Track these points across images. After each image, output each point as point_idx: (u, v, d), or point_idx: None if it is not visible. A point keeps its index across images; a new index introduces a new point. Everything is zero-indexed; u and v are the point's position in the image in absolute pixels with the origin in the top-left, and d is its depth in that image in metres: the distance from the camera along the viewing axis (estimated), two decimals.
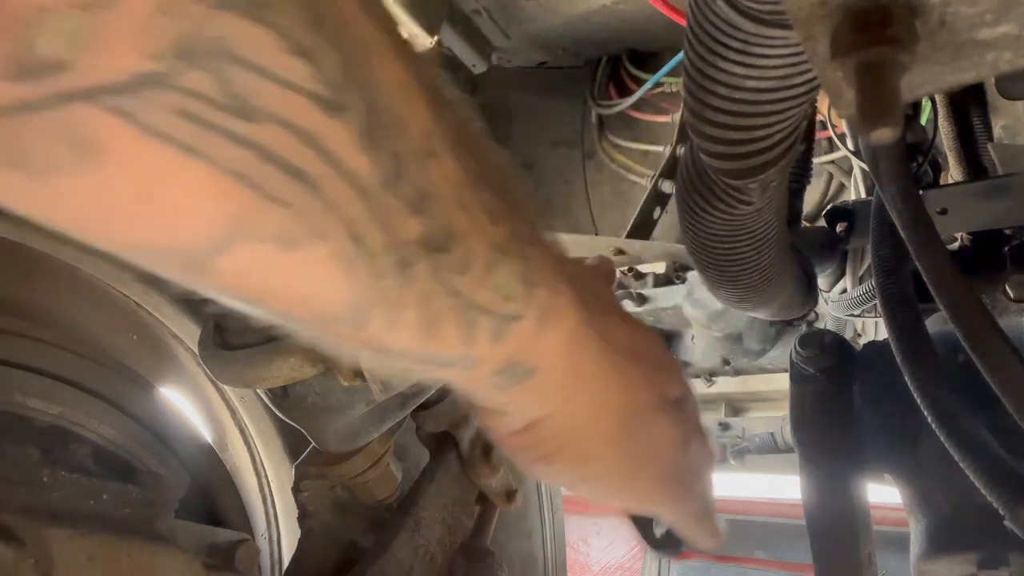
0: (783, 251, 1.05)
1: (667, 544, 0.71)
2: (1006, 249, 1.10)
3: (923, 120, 1.45)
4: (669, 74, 2.27)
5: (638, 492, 0.53)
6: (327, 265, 0.29)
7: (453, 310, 0.34)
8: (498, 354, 0.38)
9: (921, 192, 1.03)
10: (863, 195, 1.78)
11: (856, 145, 1.58)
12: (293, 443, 1.00)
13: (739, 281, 1.05)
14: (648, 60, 2.48)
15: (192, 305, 0.89)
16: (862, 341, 1.73)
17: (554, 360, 0.41)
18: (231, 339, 0.73)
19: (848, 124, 1.43)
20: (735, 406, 2.21)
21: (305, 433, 0.78)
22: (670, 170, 2.22)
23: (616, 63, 2.54)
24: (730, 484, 2.79)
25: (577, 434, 0.46)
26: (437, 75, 0.33)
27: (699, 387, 2.20)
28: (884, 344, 0.94)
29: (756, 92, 0.70)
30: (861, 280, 1.31)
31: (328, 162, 0.27)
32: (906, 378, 0.80)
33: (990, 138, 1.30)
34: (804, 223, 1.89)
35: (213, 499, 1.03)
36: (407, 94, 0.30)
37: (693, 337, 2.19)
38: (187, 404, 1.02)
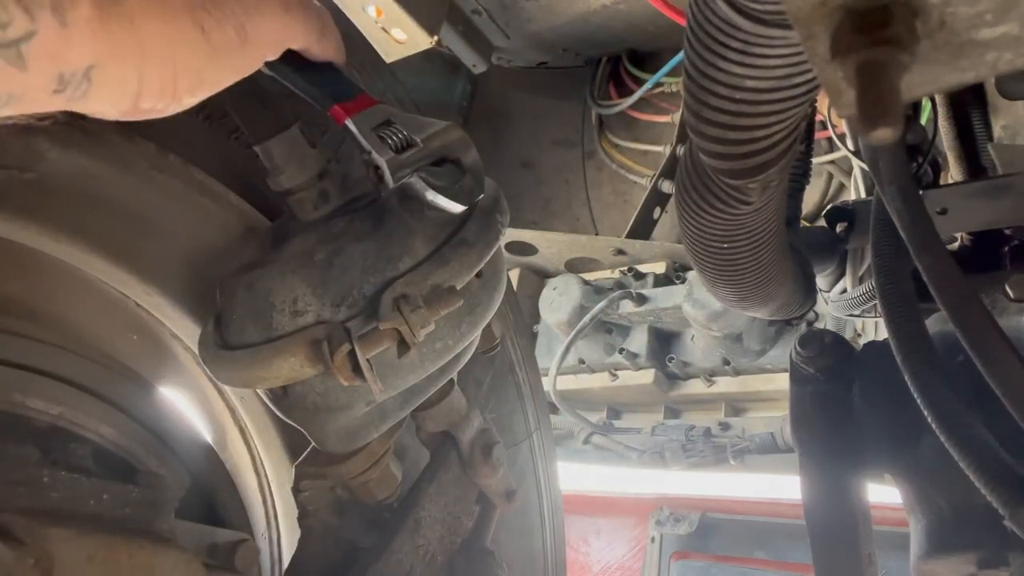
0: (782, 251, 1.05)
1: None
2: (1006, 249, 1.10)
3: (923, 120, 1.45)
4: (669, 74, 2.27)
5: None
6: None
7: None
8: (41, 75, 0.40)
9: (921, 192, 1.04)
10: (863, 195, 1.78)
11: (856, 145, 1.58)
12: (293, 443, 1.00)
13: (738, 281, 1.05)
14: (648, 60, 2.48)
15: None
16: (862, 341, 1.73)
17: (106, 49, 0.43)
18: (231, 339, 0.72)
19: (848, 124, 1.43)
20: (735, 406, 2.21)
21: (305, 433, 0.78)
22: (670, 170, 2.22)
23: (616, 63, 2.54)
24: (730, 484, 2.78)
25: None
26: None
27: (699, 387, 2.20)
28: (884, 344, 0.94)
29: (756, 92, 0.70)
30: (861, 280, 1.31)
31: None
32: (906, 378, 0.80)
33: (990, 138, 1.30)
34: (804, 223, 1.90)
35: (213, 499, 1.03)
36: None
37: (693, 337, 2.19)
38: (187, 404, 1.01)
